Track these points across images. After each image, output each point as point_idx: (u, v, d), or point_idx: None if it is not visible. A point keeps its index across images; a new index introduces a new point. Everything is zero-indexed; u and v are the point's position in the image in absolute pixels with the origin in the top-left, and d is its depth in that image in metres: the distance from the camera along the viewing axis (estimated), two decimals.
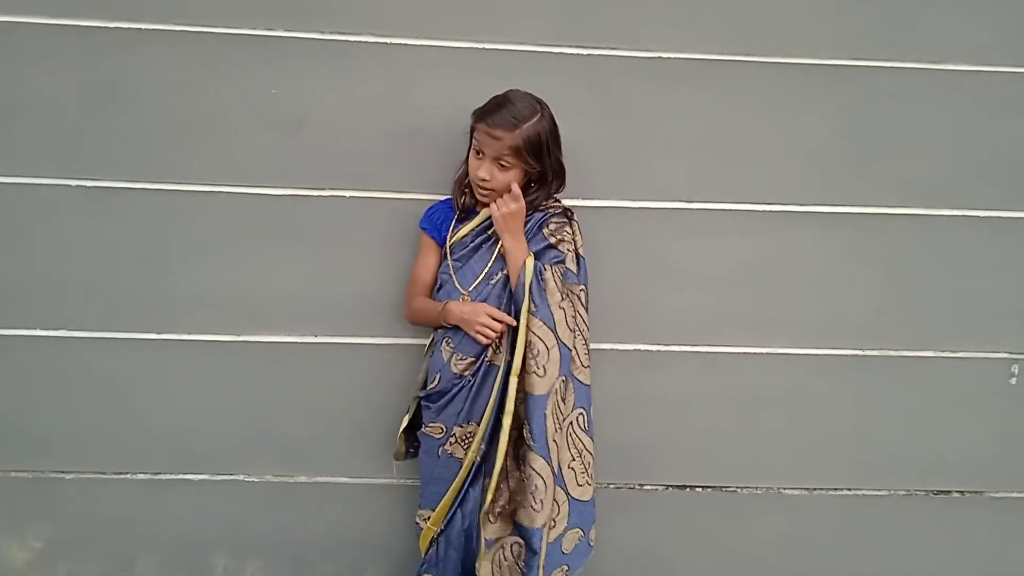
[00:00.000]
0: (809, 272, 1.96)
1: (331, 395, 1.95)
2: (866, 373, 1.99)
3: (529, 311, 1.59)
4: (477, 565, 1.65)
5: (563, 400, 1.65)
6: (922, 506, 2.06)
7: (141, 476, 1.97)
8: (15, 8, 1.76)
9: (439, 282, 1.75)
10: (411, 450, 1.85)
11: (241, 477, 1.98)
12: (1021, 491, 2.07)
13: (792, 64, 1.87)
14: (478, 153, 1.64)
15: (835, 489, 2.06)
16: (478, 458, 1.66)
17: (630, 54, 1.85)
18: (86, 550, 1.99)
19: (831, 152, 1.91)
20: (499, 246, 1.66)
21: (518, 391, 1.60)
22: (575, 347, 1.67)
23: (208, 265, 1.88)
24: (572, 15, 1.83)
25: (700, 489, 2.05)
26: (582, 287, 1.71)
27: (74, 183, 1.83)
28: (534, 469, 1.59)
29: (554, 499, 1.64)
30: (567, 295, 1.65)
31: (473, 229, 1.71)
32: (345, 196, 1.86)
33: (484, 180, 1.63)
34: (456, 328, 1.68)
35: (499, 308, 1.64)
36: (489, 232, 1.69)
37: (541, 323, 1.59)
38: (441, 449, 1.70)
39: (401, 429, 1.81)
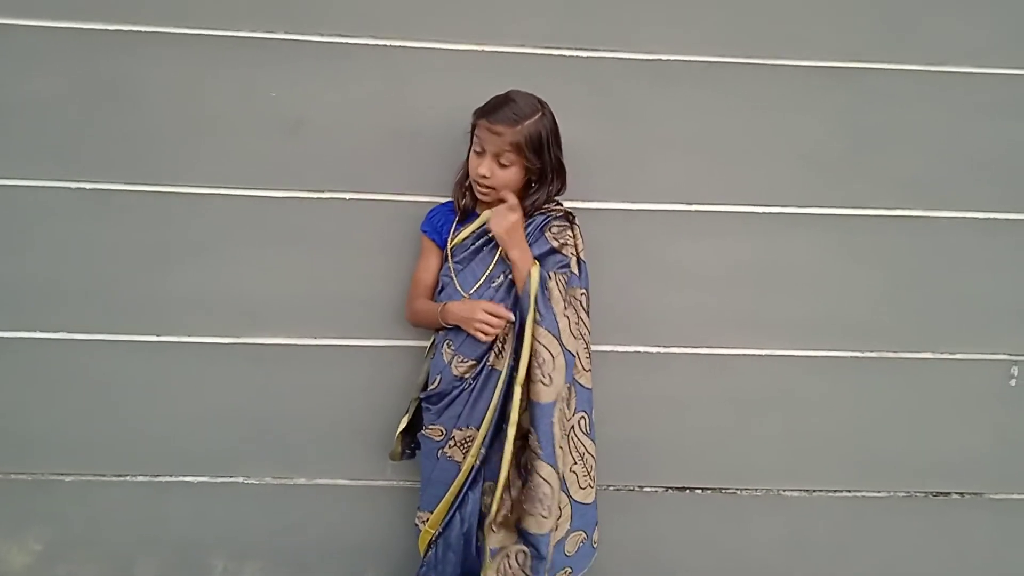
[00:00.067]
0: (808, 274, 1.96)
1: (330, 397, 1.95)
2: (865, 374, 2.00)
3: (535, 320, 1.59)
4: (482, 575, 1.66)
5: (568, 406, 1.65)
6: (921, 508, 2.06)
7: (140, 478, 1.97)
8: (13, 10, 1.76)
9: (440, 284, 1.75)
10: (407, 451, 1.85)
11: (240, 479, 1.98)
12: (1020, 493, 2.07)
13: (791, 66, 1.87)
14: (479, 151, 1.64)
15: (835, 491, 2.06)
16: (477, 462, 1.66)
17: (629, 56, 1.85)
18: (85, 552, 1.98)
19: (830, 154, 1.91)
20: (500, 249, 1.66)
21: (522, 399, 1.60)
22: (577, 352, 1.67)
23: (207, 267, 1.88)
24: (571, 17, 1.83)
25: (699, 491, 2.05)
26: (583, 291, 1.70)
27: (73, 185, 1.83)
28: (542, 477, 1.59)
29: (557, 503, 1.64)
30: (570, 302, 1.65)
31: (474, 232, 1.71)
32: (344, 198, 1.86)
33: (484, 177, 1.63)
34: (458, 330, 1.67)
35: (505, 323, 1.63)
36: (490, 235, 1.68)
37: (546, 332, 1.59)
38: (440, 452, 1.70)
39: (399, 430, 1.81)
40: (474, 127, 1.65)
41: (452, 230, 1.74)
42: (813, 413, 2.01)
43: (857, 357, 1.99)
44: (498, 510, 1.63)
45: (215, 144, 1.83)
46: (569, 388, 1.65)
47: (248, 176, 1.85)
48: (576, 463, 1.69)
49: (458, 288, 1.69)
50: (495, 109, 1.61)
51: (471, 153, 1.66)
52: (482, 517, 1.68)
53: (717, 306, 1.95)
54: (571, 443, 1.68)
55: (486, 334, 1.61)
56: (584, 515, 1.71)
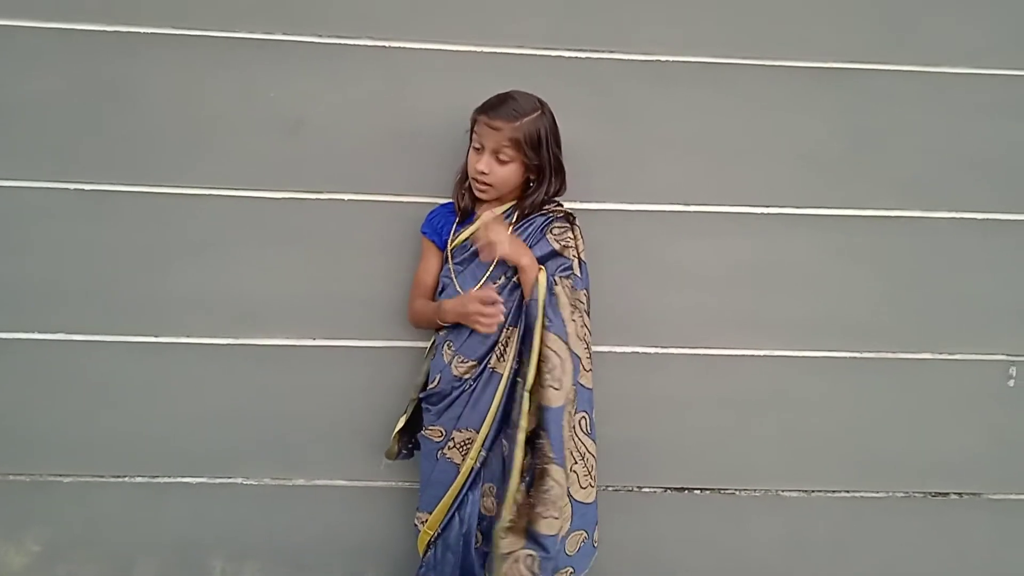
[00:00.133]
0: (807, 274, 1.96)
1: (329, 398, 1.95)
2: (864, 375, 2.00)
3: (544, 326, 1.59)
4: None
5: (573, 408, 1.65)
6: (920, 508, 2.06)
7: (139, 479, 1.96)
8: (13, 12, 1.75)
9: (441, 285, 1.75)
10: (404, 451, 1.85)
11: (239, 480, 1.98)
12: (1019, 493, 2.07)
13: (791, 67, 1.87)
14: (478, 148, 1.63)
15: (834, 491, 2.06)
16: (477, 464, 1.66)
17: (629, 57, 1.85)
18: (84, 553, 1.98)
19: (829, 154, 1.91)
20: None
21: (530, 403, 1.60)
22: (580, 353, 1.67)
23: (206, 268, 1.87)
24: (571, 18, 1.83)
25: (699, 491, 2.05)
26: (584, 292, 1.70)
27: (72, 186, 1.83)
28: (554, 479, 1.59)
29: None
30: (576, 306, 1.65)
31: (473, 233, 1.71)
32: (343, 199, 1.86)
33: (482, 173, 1.63)
34: (458, 330, 1.67)
35: (504, 312, 1.62)
36: None
37: (556, 337, 1.59)
38: (440, 453, 1.70)
39: (396, 429, 1.80)
40: (473, 124, 1.65)
41: (452, 231, 1.74)
42: (812, 413, 2.01)
43: (856, 357, 1.99)
44: (507, 516, 1.63)
45: (214, 145, 1.83)
46: (574, 391, 1.65)
47: (248, 176, 1.85)
48: (577, 463, 1.69)
49: (458, 289, 1.69)
50: (495, 105, 1.62)
51: (470, 150, 1.66)
52: (481, 519, 1.68)
53: (716, 306, 1.95)
54: (573, 443, 1.68)
55: (485, 325, 1.59)
56: (585, 515, 1.71)
